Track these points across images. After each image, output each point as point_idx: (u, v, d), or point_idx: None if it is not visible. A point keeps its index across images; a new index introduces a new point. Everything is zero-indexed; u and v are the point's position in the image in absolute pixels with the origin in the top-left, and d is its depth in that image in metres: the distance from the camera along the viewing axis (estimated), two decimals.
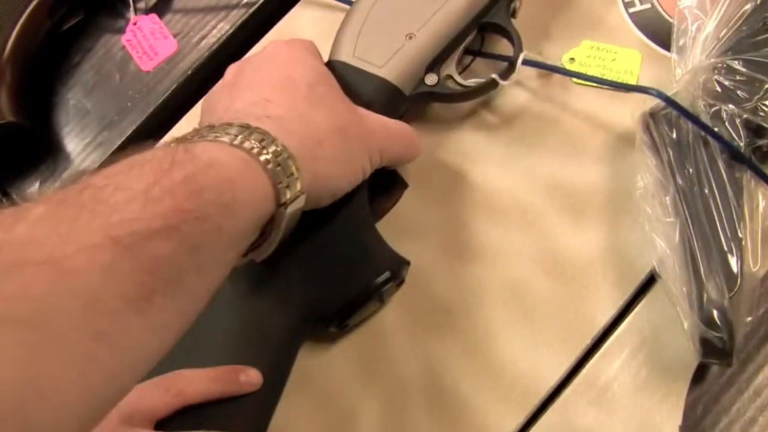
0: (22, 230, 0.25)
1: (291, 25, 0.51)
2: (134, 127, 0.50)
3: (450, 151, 0.48)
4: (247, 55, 0.49)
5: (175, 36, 0.51)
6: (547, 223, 0.45)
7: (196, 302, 0.30)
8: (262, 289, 0.40)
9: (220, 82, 0.41)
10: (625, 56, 0.48)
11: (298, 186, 0.34)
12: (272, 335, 0.39)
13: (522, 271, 0.44)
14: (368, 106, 0.42)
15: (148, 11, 0.52)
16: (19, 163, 0.50)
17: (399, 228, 0.46)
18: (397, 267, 0.42)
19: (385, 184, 0.46)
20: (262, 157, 0.32)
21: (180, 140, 0.33)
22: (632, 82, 0.47)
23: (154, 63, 0.51)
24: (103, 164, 0.49)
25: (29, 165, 0.50)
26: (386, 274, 0.41)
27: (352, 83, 0.42)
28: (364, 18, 0.44)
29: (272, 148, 0.33)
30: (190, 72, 0.50)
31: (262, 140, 0.33)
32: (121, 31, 0.52)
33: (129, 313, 0.26)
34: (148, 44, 0.51)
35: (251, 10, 0.51)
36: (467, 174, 0.47)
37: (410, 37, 0.44)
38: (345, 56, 0.43)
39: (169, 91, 0.50)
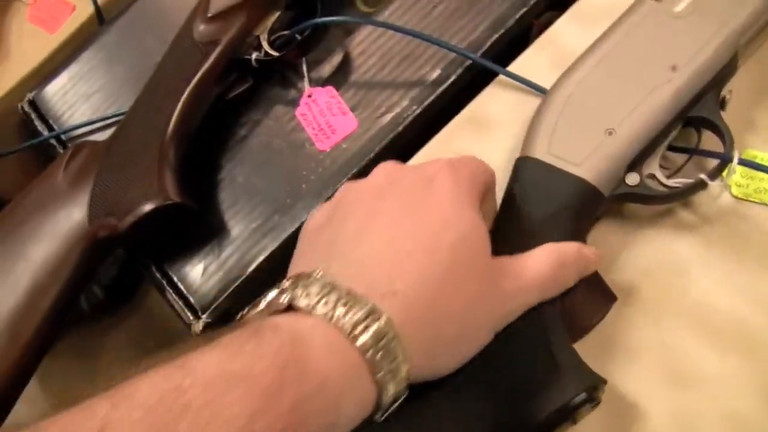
0: None
1: (483, 108, 0.46)
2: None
3: (656, 257, 0.43)
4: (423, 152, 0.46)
5: (352, 110, 0.47)
6: None
7: None
8: (440, 407, 0.37)
9: (366, 180, 0.37)
10: None
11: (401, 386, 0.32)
12: None
13: (744, 406, 0.40)
14: (564, 209, 0.39)
15: (324, 83, 0.47)
16: (182, 244, 0.46)
17: (602, 346, 0.42)
18: (594, 388, 0.38)
19: (590, 296, 0.42)
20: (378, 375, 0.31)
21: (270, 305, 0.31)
22: None
23: (332, 142, 0.46)
24: (273, 254, 0.46)
25: (193, 246, 0.46)
26: (582, 396, 0.37)
27: (546, 183, 0.40)
28: (559, 111, 0.41)
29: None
30: (372, 155, 0.46)
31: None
32: (294, 103, 0.47)
33: None
34: (325, 120, 0.46)
35: (440, 90, 0.46)
36: (683, 288, 0.42)
37: (610, 133, 0.40)
38: (539, 153, 0.41)
39: (349, 175, 0.46)
